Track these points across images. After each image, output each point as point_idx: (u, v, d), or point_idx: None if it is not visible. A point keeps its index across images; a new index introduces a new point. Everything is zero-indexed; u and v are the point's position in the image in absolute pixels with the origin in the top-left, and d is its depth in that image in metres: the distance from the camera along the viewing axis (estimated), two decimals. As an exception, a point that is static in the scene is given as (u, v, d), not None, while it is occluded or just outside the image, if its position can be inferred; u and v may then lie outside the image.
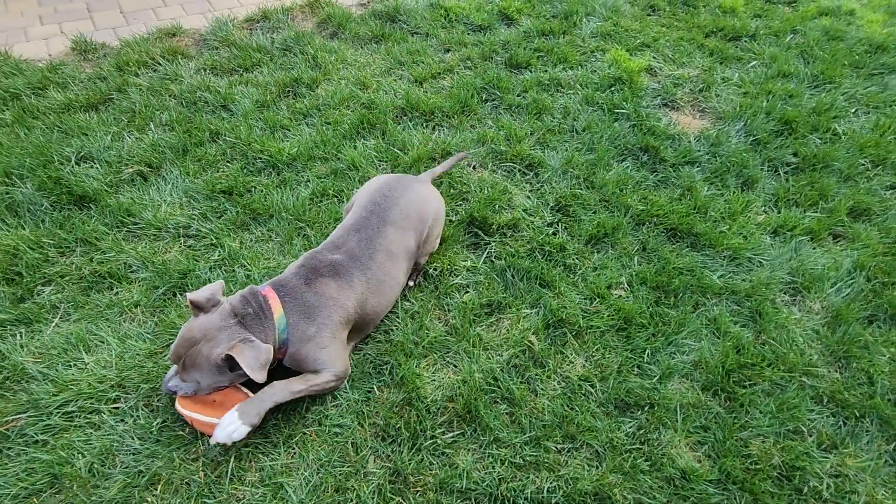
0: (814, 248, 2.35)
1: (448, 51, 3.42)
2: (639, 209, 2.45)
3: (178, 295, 2.03)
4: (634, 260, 2.25)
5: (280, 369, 1.77)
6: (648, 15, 3.92)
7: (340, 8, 3.70)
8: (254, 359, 1.54)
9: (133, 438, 1.65)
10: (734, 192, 2.57)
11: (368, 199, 2.00)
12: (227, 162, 2.57)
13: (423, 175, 2.27)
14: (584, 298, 2.10)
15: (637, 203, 2.48)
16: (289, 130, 2.76)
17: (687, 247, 2.33)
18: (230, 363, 1.57)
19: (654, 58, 3.45)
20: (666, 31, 3.72)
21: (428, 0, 3.81)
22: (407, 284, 2.09)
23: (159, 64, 3.10)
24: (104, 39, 3.34)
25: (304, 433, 1.69)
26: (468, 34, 3.57)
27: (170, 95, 2.92)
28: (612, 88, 3.15)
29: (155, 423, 1.67)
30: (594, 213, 2.44)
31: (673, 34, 3.68)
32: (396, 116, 2.89)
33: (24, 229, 2.18)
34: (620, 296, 2.13)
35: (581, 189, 2.54)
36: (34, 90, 2.86)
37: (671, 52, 3.50)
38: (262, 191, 2.42)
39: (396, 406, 1.76)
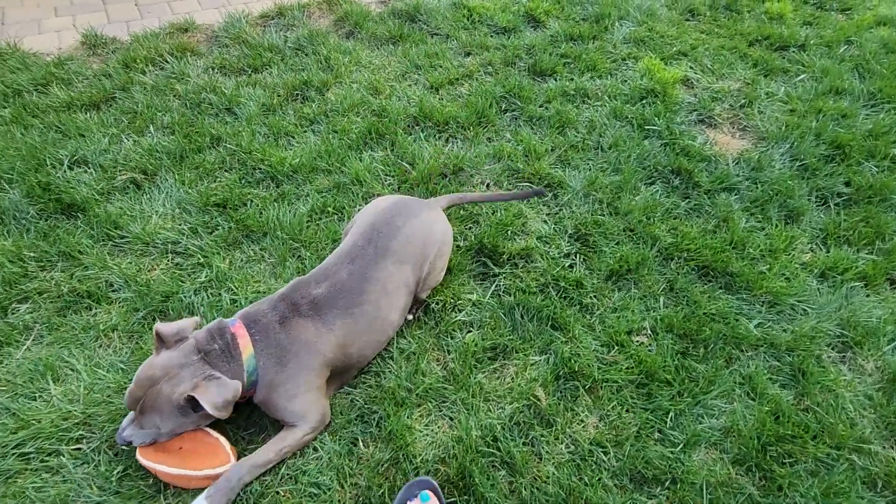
0: (868, 296, 2.02)
1: (468, 54, 3.13)
2: (667, 242, 2.14)
3: (158, 320, 1.83)
4: (660, 301, 1.96)
5: (250, 407, 1.57)
6: (687, 20, 3.55)
7: (359, 5, 3.44)
8: (218, 395, 1.36)
9: (91, 487, 1.45)
10: (776, 226, 2.24)
11: (369, 224, 1.76)
12: (226, 171, 2.36)
13: (435, 200, 1.98)
14: (601, 345, 1.83)
15: (665, 234, 2.18)
16: (293, 138, 2.53)
17: (720, 288, 2.03)
18: (193, 403, 1.38)
19: (691, 68, 3.10)
20: (705, 39, 3.35)
21: (451, -1, 3.51)
22: (405, 319, 1.85)
23: (167, 62, 2.90)
24: (116, 33, 3.16)
25: (278, 492, 1.47)
26: (491, 37, 3.27)
27: (174, 95, 2.72)
28: (644, 101, 2.82)
29: (116, 471, 1.47)
30: (617, 244, 2.14)
31: (713, 42, 3.32)
32: (408, 126, 2.63)
33: (6, 239, 2.01)
34: (642, 343, 1.84)
35: (604, 215, 2.25)
36: (37, 86, 2.69)
37: (710, 62, 3.14)
38: (258, 204, 2.20)
39: (382, 465, 1.53)
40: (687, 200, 2.35)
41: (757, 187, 2.40)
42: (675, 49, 3.21)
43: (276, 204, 2.21)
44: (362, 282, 1.64)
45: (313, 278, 1.64)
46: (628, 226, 2.21)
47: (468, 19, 3.38)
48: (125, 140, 2.45)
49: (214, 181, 2.30)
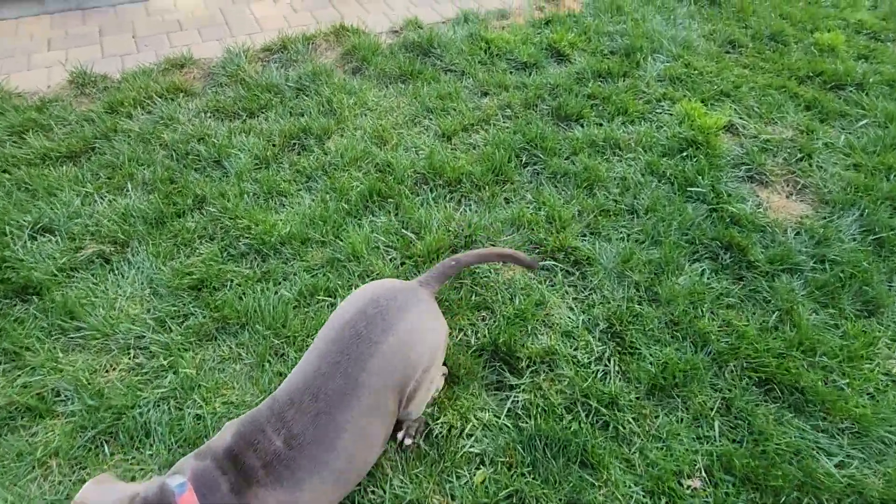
0: (976, 425, 1.54)
1: (486, 94, 2.69)
2: (721, 343, 1.69)
3: (107, 445, 1.45)
4: (715, 428, 1.51)
5: None
6: (727, 52, 3.05)
7: (368, 37, 3.02)
8: None
9: None
10: (851, 322, 1.77)
11: (346, 323, 1.29)
12: (206, 240, 1.96)
13: (425, 281, 1.47)
14: (644, 493, 1.39)
15: (717, 331, 1.73)
16: (285, 197, 2.13)
17: (788, 408, 1.57)
18: None
19: (735, 111, 2.61)
20: (749, 75, 2.85)
21: (468, 30, 3.07)
22: (402, 443, 1.44)
23: (155, 104, 2.52)
24: (108, 69, 2.79)
25: None
26: (510, 73, 2.82)
27: (160, 145, 2.33)
28: (684, 154, 2.35)
29: None
30: (658, 344, 1.70)
31: (758, 79, 2.82)
32: (415, 184, 2.20)
33: (-54, 331, 1.66)
34: (696, 491, 1.40)
35: (641, 304, 1.80)
36: (13, 135, 2.34)
37: (757, 104, 2.65)
38: (239, 285, 1.81)
39: None
40: (741, 283, 1.88)
41: (824, 269, 1.92)
42: (716, 88, 2.72)
43: (259, 285, 1.81)
44: (330, 429, 1.19)
45: (269, 421, 1.19)
46: (671, 318, 1.76)
47: (486, 52, 2.93)
48: (99, 201, 2.08)
49: (192, 253, 1.91)
